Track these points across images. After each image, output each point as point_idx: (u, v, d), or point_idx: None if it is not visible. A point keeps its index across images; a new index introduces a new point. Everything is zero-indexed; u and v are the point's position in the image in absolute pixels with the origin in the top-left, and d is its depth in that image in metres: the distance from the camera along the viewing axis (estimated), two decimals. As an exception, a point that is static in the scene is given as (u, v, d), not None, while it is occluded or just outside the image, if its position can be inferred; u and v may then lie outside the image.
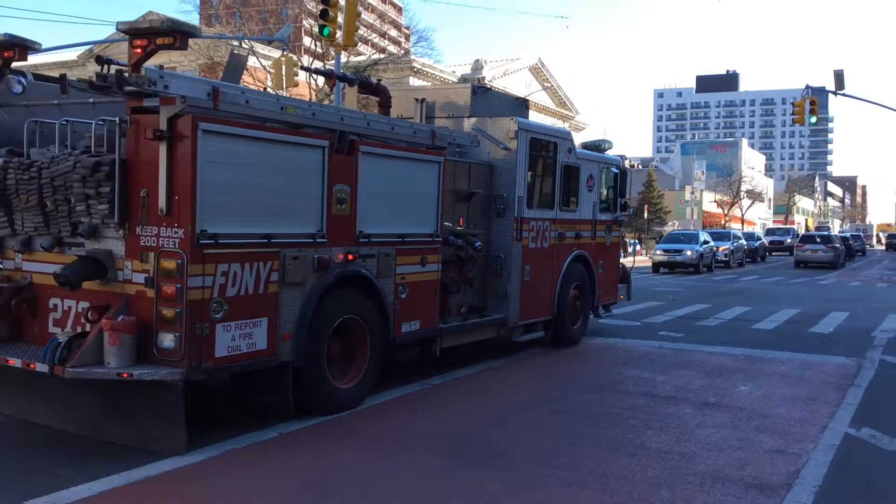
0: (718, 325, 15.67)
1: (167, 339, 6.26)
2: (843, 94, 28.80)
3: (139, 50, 6.24)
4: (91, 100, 7.18)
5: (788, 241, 55.44)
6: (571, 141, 12.11)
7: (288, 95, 18.50)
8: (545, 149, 11.29)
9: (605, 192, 13.15)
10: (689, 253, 33.19)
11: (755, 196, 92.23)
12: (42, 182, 6.82)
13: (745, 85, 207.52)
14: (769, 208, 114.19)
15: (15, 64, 7.44)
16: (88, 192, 6.55)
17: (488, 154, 10.54)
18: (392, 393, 8.61)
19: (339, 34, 16.06)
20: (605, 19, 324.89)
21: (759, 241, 47.55)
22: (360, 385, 8.00)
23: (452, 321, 9.62)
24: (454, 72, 50.88)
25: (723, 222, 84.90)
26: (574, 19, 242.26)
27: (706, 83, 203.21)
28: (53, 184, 6.75)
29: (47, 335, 6.82)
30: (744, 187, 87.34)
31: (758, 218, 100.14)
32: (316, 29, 17.14)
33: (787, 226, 75.98)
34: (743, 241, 43.07)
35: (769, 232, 58.05)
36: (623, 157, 14.51)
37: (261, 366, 6.91)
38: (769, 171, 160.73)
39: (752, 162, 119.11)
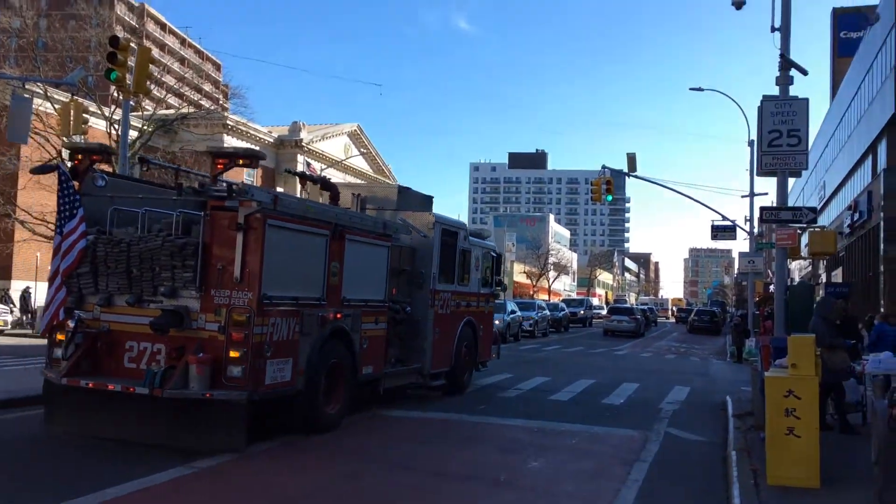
0: (518, 395, 15.74)
1: (236, 370, 8.75)
2: (635, 176, 30.86)
3: (220, 165, 9.34)
4: (174, 197, 9.88)
5: (582, 312, 57.49)
6: (466, 230, 15.40)
7: (83, 140, 17.51)
8: (451, 236, 14.48)
9: (485, 271, 16.27)
10: (496, 322, 33.80)
11: (561, 268, 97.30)
12: (131, 255, 9.33)
13: (552, 164, 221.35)
14: (573, 280, 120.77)
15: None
16: (175, 263, 9.08)
17: (410, 239, 13.56)
18: (160, 475, 7.66)
19: (129, 80, 15.02)
20: (422, 92, 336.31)
21: (562, 312, 49.39)
22: (340, 412, 10.79)
23: (389, 368, 12.46)
24: (270, 132, 49.99)
25: (531, 293, 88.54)
26: (392, 88, 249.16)
27: (518, 160, 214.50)
28: (141, 256, 9.27)
29: (123, 370, 9.24)
30: (551, 260, 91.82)
31: (563, 289, 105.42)
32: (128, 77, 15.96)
33: (581, 297, 79.91)
34: (547, 312, 44.65)
35: (565, 303, 59.98)
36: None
37: (287, 392, 9.58)
38: (574, 245, 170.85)
39: (558, 236, 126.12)
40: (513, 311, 36.28)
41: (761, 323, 33.04)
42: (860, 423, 11.49)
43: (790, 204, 17.11)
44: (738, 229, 33.23)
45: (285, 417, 9.94)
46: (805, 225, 17.83)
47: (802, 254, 37.69)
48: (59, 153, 10.29)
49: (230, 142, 45.12)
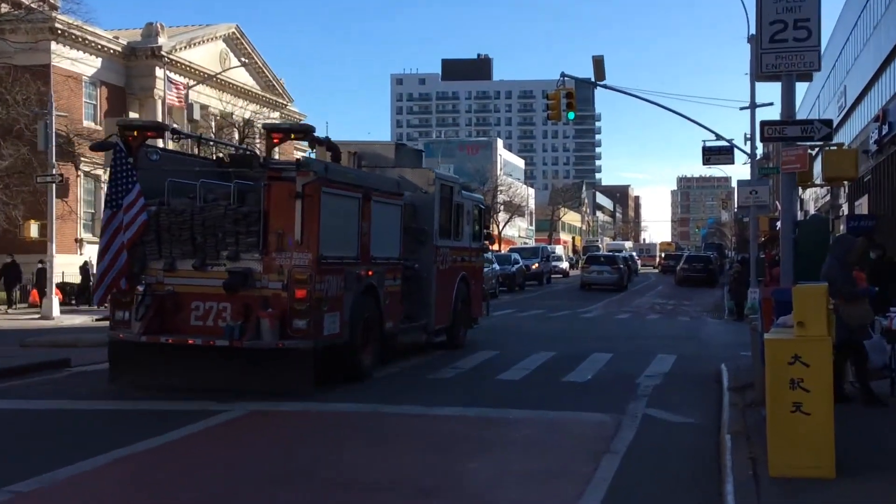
0: (455, 376, 15.89)
1: (301, 323, 12.48)
2: (604, 86, 30.97)
3: (276, 140, 13.99)
4: (230, 169, 14.50)
5: (537, 265, 55.64)
6: (460, 184, 19.55)
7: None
8: (448, 192, 18.47)
9: (474, 224, 20.26)
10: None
11: (514, 209, 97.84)
12: (194, 223, 13.00)
13: (499, 73, 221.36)
14: (530, 224, 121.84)
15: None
16: (239, 230, 12.79)
17: (412, 196, 17.11)
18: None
19: None
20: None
21: (516, 266, 49.34)
22: (372, 363, 14.80)
23: (401, 324, 16.39)
24: (117, 38, 48.43)
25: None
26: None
27: (454, 69, 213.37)
28: (204, 224, 12.96)
29: (190, 327, 13.12)
30: (500, 198, 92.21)
31: (517, 235, 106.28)
32: None
33: (538, 244, 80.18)
34: (496, 266, 44.65)
35: (518, 254, 57.45)
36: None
37: (337, 342, 13.46)
38: (530, 178, 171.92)
39: (509, 167, 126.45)
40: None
41: (766, 270, 33.77)
42: (889, 393, 11.81)
43: (800, 116, 17.36)
44: (735, 151, 33.66)
45: (329, 366, 13.68)
46: (818, 143, 18.11)
47: (816, 180, 38.51)
48: (118, 130, 13.68)
49: (61, 50, 43.52)
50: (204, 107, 51.18)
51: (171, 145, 28.65)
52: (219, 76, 51.16)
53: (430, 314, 17.45)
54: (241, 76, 57.68)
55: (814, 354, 7.87)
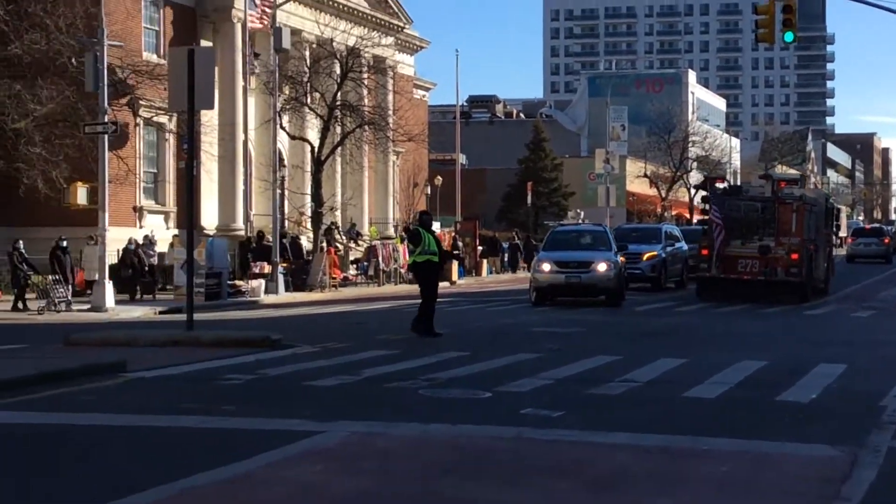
0: (626, 392, 15.91)
1: (794, 270, 37.13)
2: (839, -4, 30.26)
3: (783, 185, 41.18)
4: (761, 196, 41.34)
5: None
6: (831, 196, 62.97)
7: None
8: (826, 201, 48.51)
9: (835, 219, 52.40)
10: (602, 268, 33.99)
11: (711, 166, 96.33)
12: (742, 223, 38.89)
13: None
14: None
15: None
16: (764, 226, 38.48)
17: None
18: None
19: None
20: None
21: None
22: (816, 294, 40.80)
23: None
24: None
25: (660, 211, 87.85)
26: None
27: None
28: (747, 223, 39.08)
29: (737, 272, 37.81)
30: (692, 152, 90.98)
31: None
32: None
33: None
34: (683, 245, 44.37)
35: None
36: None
37: (805, 280, 38.26)
38: (734, 124, 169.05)
39: (705, 109, 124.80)
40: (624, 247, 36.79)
41: None
42: None
43: None
44: None
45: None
46: None
47: None
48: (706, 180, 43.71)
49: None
50: (296, 31, 51.99)
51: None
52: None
53: (821, 272, 40.54)
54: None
55: None
